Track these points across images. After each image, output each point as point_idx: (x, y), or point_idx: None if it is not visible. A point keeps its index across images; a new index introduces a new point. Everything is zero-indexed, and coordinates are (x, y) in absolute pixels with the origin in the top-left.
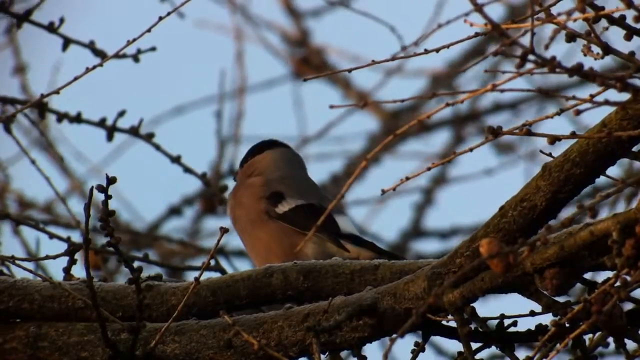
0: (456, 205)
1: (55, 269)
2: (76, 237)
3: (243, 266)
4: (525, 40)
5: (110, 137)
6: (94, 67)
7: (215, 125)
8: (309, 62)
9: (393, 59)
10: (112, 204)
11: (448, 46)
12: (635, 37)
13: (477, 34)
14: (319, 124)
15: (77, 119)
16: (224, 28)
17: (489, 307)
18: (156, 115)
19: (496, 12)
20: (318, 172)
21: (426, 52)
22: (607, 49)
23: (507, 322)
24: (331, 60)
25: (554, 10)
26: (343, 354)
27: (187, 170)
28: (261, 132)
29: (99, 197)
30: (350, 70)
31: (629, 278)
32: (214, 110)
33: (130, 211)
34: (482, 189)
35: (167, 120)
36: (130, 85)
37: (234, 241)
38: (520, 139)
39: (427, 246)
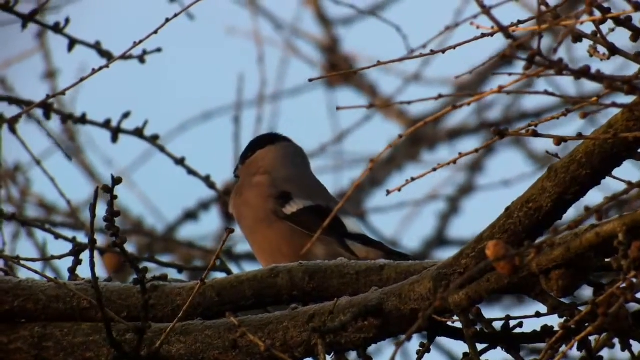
0: (482, 215)
1: (61, 270)
2: (83, 238)
3: (252, 269)
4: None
5: (114, 139)
6: (100, 69)
7: (234, 130)
8: (337, 70)
9: (400, 59)
10: (137, 208)
11: (455, 47)
12: None
13: (483, 35)
14: (346, 130)
15: (82, 120)
16: (252, 35)
17: (494, 308)
18: (184, 120)
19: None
20: (339, 179)
21: (432, 52)
22: (614, 50)
23: (512, 323)
24: (359, 67)
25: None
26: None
27: (191, 172)
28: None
29: (123, 201)
30: (356, 72)
31: (635, 280)
32: (243, 115)
33: (156, 216)
34: (509, 198)
35: (195, 126)
36: (153, 88)
37: (242, 246)
38: (556, 152)
39: (450, 255)
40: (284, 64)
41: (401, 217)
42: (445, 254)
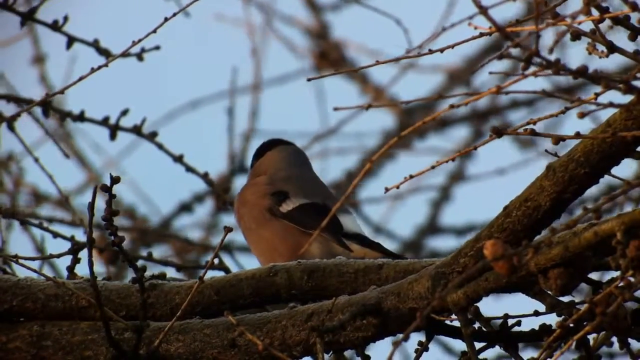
0: (473, 202)
1: (60, 268)
2: (81, 235)
3: (248, 263)
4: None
5: (113, 136)
6: (99, 67)
7: (228, 121)
8: (327, 57)
9: (398, 59)
10: (129, 197)
11: (452, 46)
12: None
13: (481, 34)
14: (337, 119)
15: (80, 117)
16: (240, 22)
17: (493, 307)
18: (171, 110)
19: (514, 8)
20: (333, 169)
21: (430, 52)
22: (612, 48)
23: (511, 321)
24: (349, 54)
25: (560, 12)
26: (347, 353)
27: (189, 169)
28: (278, 127)
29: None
30: (356, 70)
31: (633, 279)
32: (229, 105)
33: (147, 204)
34: (499, 186)
35: (182, 115)
36: (145, 82)
37: (239, 238)
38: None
39: (443, 243)
40: (272, 51)
41: (392, 205)
42: (438, 242)
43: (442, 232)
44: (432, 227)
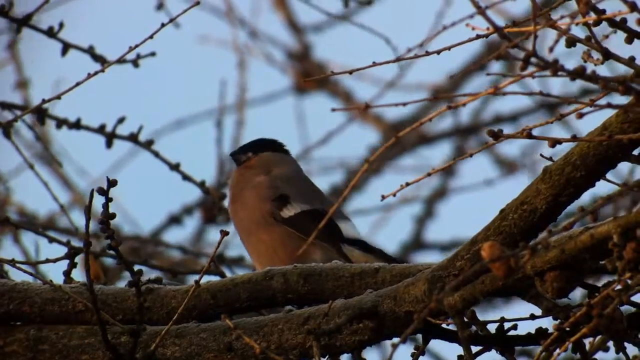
0: (457, 218)
1: (56, 273)
2: (76, 243)
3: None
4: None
5: (109, 144)
6: (95, 73)
7: (215, 135)
8: (310, 76)
9: (396, 60)
10: (114, 218)
11: (449, 48)
12: (636, 41)
13: (478, 36)
14: (322, 134)
15: (77, 125)
16: (226, 43)
17: (489, 311)
18: (157, 128)
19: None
20: (319, 184)
21: (427, 54)
22: (607, 54)
23: (507, 325)
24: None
25: (556, 14)
26: (343, 357)
27: (186, 177)
28: None
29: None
30: (351, 72)
31: (629, 282)
32: (215, 122)
33: (132, 224)
34: (484, 202)
35: (168, 134)
36: (134, 100)
37: (235, 249)
38: (523, 156)
39: (428, 259)
40: (254, 70)
41: (375, 221)
42: (423, 258)
43: (427, 248)
44: (416, 243)
